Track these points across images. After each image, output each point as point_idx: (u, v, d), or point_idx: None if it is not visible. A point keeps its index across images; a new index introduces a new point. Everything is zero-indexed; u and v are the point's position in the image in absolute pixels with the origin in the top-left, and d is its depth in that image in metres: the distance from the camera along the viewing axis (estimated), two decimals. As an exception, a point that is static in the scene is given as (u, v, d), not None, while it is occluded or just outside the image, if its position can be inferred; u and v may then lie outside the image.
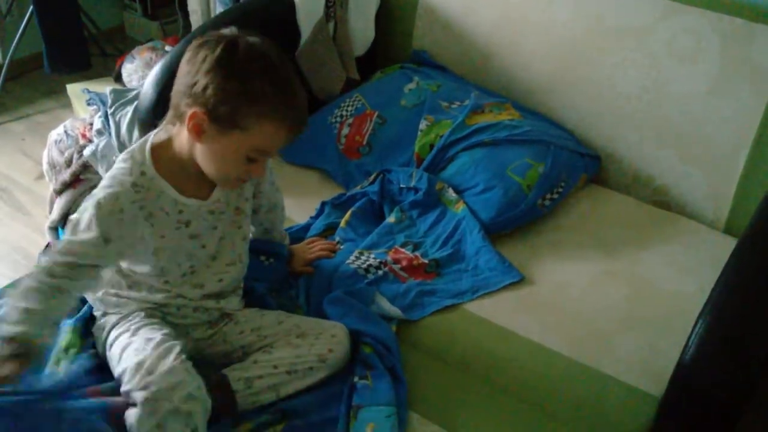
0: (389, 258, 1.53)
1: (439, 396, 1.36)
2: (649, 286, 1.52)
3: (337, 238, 1.61)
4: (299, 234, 1.64)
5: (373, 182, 1.73)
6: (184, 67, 1.18)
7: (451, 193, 1.67)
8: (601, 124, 1.83)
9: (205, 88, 1.13)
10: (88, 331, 1.38)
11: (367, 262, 1.51)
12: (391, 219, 1.64)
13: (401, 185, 1.70)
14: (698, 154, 1.71)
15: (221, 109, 1.14)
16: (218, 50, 1.14)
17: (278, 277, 1.52)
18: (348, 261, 1.52)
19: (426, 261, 1.54)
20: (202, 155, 1.21)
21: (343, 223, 1.64)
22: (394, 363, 1.36)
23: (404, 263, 1.52)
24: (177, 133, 1.23)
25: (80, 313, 1.40)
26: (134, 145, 1.26)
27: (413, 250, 1.57)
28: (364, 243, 1.58)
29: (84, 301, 1.42)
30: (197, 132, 1.17)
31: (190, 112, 1.15)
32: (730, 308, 1.19)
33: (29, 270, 1.20)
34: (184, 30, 3.15)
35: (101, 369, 1.30)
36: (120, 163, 1.24)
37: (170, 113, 1.22)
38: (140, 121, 1.75)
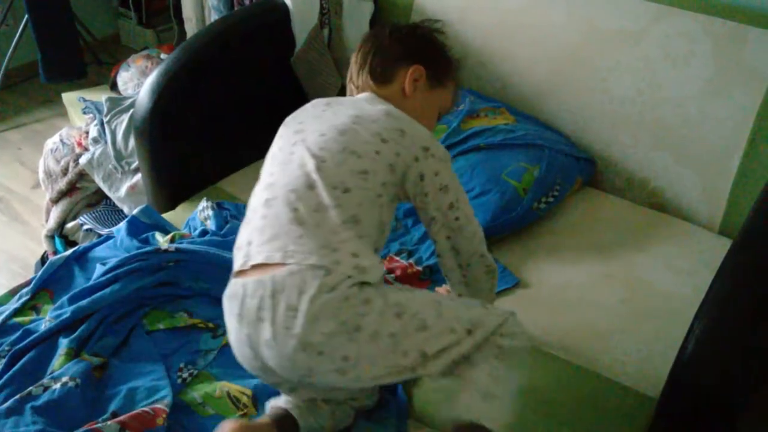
0: (384, 268, 1.52)
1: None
2: (645, 288, 1.52)
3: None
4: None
5: (368, 189, 1.73)
6: (381, 45, 1.30)
7: (445, 200, 1.67)
8: (595, 128, 1.84)
9: (424, 49, 1.31)
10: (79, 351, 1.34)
11: (363, 271, 1.51)
12: (386, 226, 1.64)
13: (397, 191, 1.70)
14: (693, 156, 1.72)
15: (436, 66, 1.31)
16: (411, 26, 1.37)
17: None
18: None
19: (420, 269, 1.54)
20: (413, 109, 1.27)
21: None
22: None
23: (398, 272, 1.52)
24: (385, 95, 1.28)
25: (77, 333, 1.34)
26: (382, 108, 1.24)
27: (408, 258, 1.57)
28: (359, 250, 1.58)
29: (82, 321, 1.36)
30: (414, 85, 1.28)
31: (411, 67, 1.28)
32: (726, 309, 1.19)
33: (25, 278, 1.19)
34: (179, 38, 3.15)
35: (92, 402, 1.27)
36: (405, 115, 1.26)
37: (368, 81, 1.29)
38: (136, 129, 1.75)
